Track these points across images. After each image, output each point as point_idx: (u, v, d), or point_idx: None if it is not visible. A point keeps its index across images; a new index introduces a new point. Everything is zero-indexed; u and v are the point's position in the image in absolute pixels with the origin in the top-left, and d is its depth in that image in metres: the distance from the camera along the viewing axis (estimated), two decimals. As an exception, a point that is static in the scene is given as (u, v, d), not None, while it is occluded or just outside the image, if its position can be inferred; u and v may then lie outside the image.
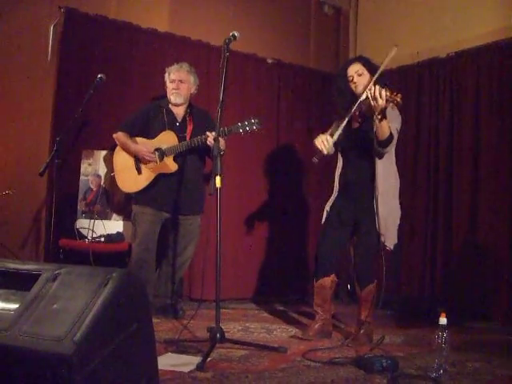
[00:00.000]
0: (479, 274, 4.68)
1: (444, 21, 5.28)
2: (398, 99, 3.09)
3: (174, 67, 4.23)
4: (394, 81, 5.53)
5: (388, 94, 3.10)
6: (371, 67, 3.51)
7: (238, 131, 3.84)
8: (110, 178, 4.47)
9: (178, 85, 4.18)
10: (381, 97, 3.10)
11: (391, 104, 3.18)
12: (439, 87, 5.25)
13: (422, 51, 5.41)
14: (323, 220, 3.76)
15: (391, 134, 3.32)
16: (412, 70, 5.52)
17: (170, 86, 4.20)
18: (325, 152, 3.38)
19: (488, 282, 4.62)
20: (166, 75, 4.23)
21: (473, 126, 4.92)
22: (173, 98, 4.18)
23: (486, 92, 4.86)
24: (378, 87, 3.14)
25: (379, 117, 3.18)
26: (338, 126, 3.47)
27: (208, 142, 3.84)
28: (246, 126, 3.83)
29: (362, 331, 3.52)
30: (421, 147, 5.35)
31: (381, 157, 3.43)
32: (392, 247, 3.54)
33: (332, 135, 3.42)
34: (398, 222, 3.58)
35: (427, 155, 5.28)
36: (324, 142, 3.37)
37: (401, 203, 3.62)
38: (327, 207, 3.74)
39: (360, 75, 3.51)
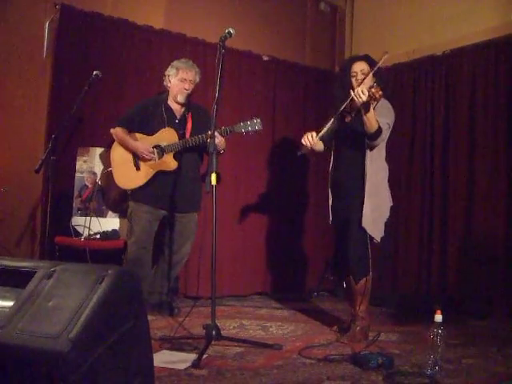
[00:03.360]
0: (475, 271, 4.70)
1: (440, 18, 5.29)
2: (377, 95, 3.19)
3: (185, 66, 4.13)
4: (389, 79, 5.53)
5: (372, 90, 3.20)
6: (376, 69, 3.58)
7: (240, 131, 3.83)
8: (106, 174, 4.45)
9: (190, 85, 4.13)
10: (363, 93, 3.21)
11: (373, 99, 3.24)
12: (435, 85, 5.25)
13: (418, 49, 5.42)
14: (330, 219, 3.80)
15: (380, 127, 3.38)
16: (408, 67, 5.52)
17: (180, 84, 4.10)
18: (308, 146, 3.51)
19: (484, 279, 4.63)
20: (174, 71, 4.12)
21: (468, 123, 4.94)
22: (181, 97, 4.12)
23: (481, 89, 4.87)
24: (361, 87, 3.25)
25: (363, 110, 3.29)
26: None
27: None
28: (248, 125, 3.82)
29: (358, 328, 3.52)
30: (416, 144, 5.36)
31: (371, 149, 3.51)
32: (379, 240, 3.58)
33: (317, 133, 3.52)
34: (387, 215, 3.63)
35: (423, 152, 5.29)
36: (308, 137, 3.51)
37: (393, 196, 3.70)
38: (330, 206, 3.79)
39: (364, 74, 3.57)
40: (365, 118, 3.31)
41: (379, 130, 3.38)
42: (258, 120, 3.82)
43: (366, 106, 3.26)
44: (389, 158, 3.70)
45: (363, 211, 3.49)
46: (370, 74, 3.53)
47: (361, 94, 3.20)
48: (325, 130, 3.47)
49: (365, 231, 3.50)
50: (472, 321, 4.34)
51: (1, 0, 4.56)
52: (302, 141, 3.52)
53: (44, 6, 4.67)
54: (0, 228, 4.40)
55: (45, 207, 4.29)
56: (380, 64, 3.47)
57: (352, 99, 3.34)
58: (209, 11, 5.42)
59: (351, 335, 3.51)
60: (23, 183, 4.50)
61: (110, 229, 4.54)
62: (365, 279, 3.55)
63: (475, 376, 2.75)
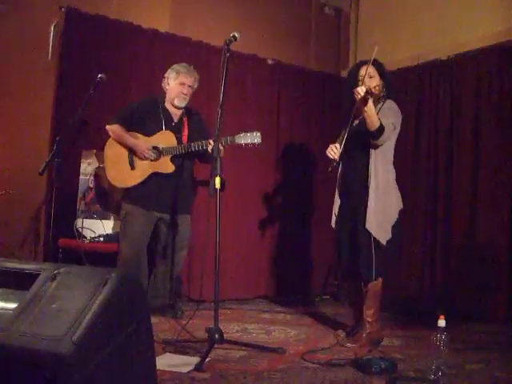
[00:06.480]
0: (478, 275, 4.69)
1: (445, 23, 5.28)
2: (373, 90, 3.33)
3: (186, 70, 4.14)
4: (394, 83, 5.52)
5: (369, 85, 3.32)
6: (383, 72, 3.65)
7: (240, 142, 3.82)
8: (99, 170, 4.44)
9: (189, 90, 4.15)
10: (361, 89, 3.28)
11: (370, 94, 3.29)
12: (439, 89, 5.25)
13: (423, 53, 5.41)
14: (333, 223, 3.75)
15: (381, 125, 3.36)
16: (413, 71, 5.52)
17: (178, 88, 4.12)
18: (336, 158, 3.48)
19: (487, 283, 4.62)
20: (174, 74, 4.13)
21: (473, 127, 4.93)
22: (178, 101, 4.13)
23: (486, 94, 4.86)
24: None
25: (362, 105, 3.32)
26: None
27: (209, 150, 3.80)
28: (248, 137, 3.81)
29: (364, 334, 3.46)
30: (420, 149, 5.35)
31: (375, 148, 3.50)
32: (385, 243, 3.48)
33: (339, 143, 3.52)
34: (395, 218, 3.54)
35: (427, 157, 5.28)
36: (334, 150, 3.49)
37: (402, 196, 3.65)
38: (335, 210, 3.75)
39: (371, 77, 3.58)
40: (365, 114, 3.33)
41: (381, 128, 3.37)
42: (258, 134, 3.81)
43: (364, 100, 3.29)
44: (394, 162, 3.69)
45: (367, 214, 3.44)
46: (378, 77, 3.59)
47: (359, 90, 3.26)
48: (344, 138, 3.46)
49: (369, 233, 3.44)
50: (475, 326, 4.32)
51: (6, 3, 4.58)
52: (328, 154, 3.51)
53: (49, 10, 4.69)
54: (4, 230, 4.42)
55: (49, 209, 4.30)
56: (373, 57, 3.47)
57: (357, 101, 3.35)
58: (214, 15, 5.44)
59: (356, 339, 3.48)
60: (27, 185, 4.51)
61: (113, 231, 4.55)
62: (373, 283, 3.47)
63: (478, 381, 2.74)
